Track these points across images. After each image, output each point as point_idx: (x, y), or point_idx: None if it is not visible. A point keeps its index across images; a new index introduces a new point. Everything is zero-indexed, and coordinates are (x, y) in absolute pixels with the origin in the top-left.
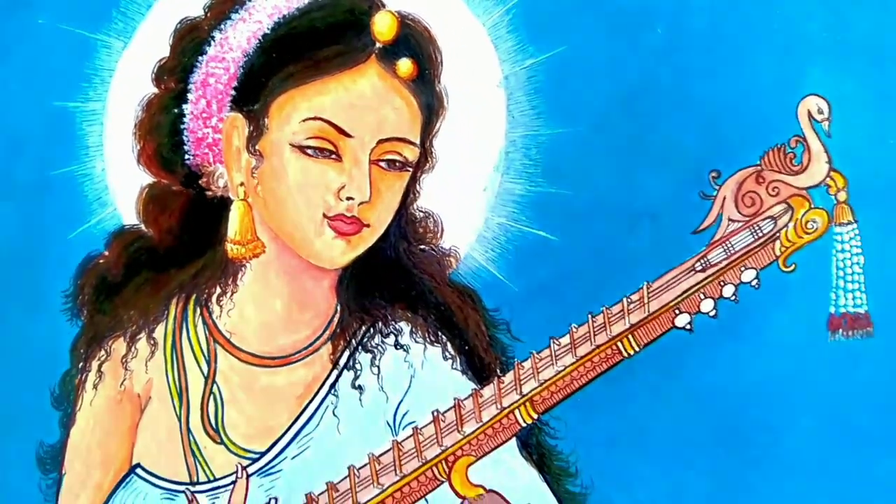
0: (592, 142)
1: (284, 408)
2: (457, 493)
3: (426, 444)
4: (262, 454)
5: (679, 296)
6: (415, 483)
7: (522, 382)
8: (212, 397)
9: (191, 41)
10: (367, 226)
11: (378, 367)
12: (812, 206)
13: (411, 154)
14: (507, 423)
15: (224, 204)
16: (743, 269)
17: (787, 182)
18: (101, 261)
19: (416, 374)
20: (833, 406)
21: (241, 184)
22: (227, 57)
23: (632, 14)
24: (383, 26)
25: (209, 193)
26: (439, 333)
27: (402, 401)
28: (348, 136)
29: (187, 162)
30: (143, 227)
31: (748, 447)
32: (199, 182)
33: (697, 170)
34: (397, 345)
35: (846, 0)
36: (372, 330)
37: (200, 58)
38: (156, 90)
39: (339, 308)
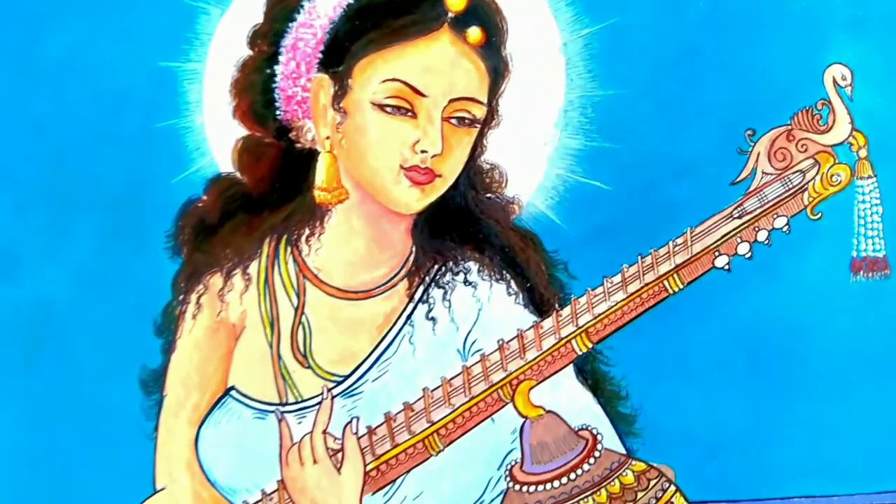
0: (641, 102)
1: (366, 336)
2: (520, 413)
3: (492, 369)
4: (346, 377)
5: (719, 239)
6: (482, 404)
7: (578, 315)
8: (300, 326)
9: (282, 9)
10: (439, 176)
11: (449, 301)
12: (836, 161)
13: (479, 112)
14: (564, 352)
15: (312, 155)
16: (775, 216)
17: (814, 140)
18: (199, 204)
19: (483, 308)
20: (854, 338)
21: (327, 137)
22: (315, 24)
23: None
24: None
25: (298, 146)
26: (504, 272)
27: (470, 331)
28: (423, 95)
29: (278, 117)
30: (238, 174)
31: (779, 374)
32: (289, 135)
33: (735, 128)
34: (466, 282)
35: None
36: (444, 268)
37: (291, 24)
38: (250, 53)
39: (414, 249)
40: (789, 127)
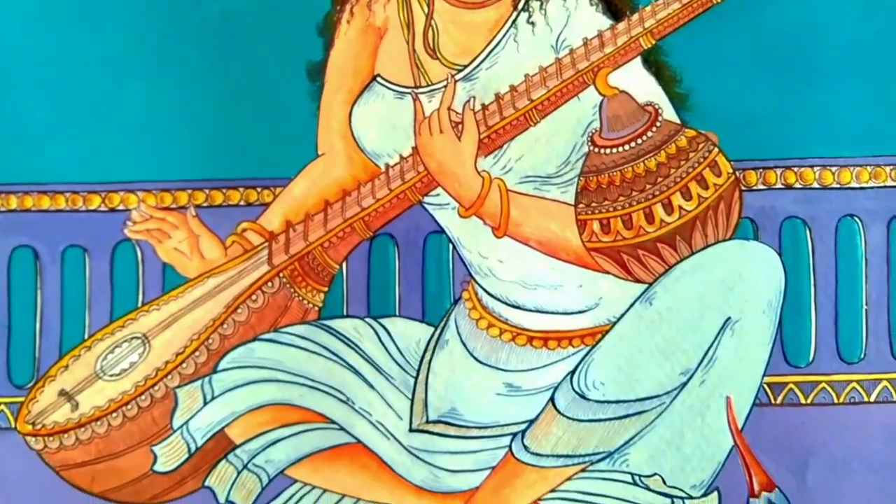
0: None
1: (480, 36)
2: (599, 92)
3: (578, 59)
4: (465, 66)
5: None
6: (570, 86)
7: (645, 20)
8: (430, 28)
9: None
10: None
11: (545, 10)
12: None
13: None
14: (634, 47)
15: None
16: None
17: None
18: None
19: (571, 15)
20: (857, 38)
21: None
22: None
23: None
24: None
25: None
26: None
27: (561, 32)
28: None
29: None
30: None
31: (799, 64)
32: None
33: None
34: None
35: None
36: None
37: None
38: None
39: None
40: None
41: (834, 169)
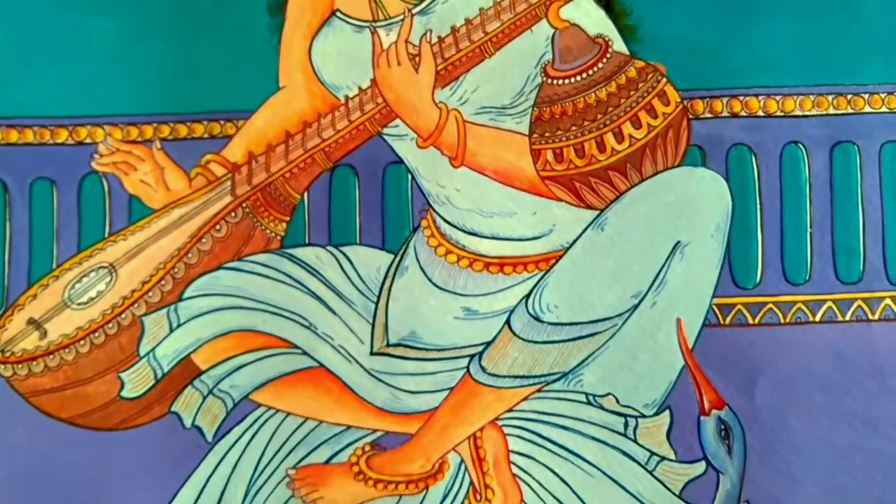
0: None
1: None
2: (551, 25)
3: None
4: (422, 0)
5: None
6: (523, 19)
7: None
8: None
9: None
10: None
11: None
12: None
13: None
14: None
15: None
16: None
17: None
18: None
19: None
20: None
21: None
22: None
23: None
24: None
25: None
26: None
27: None
28: None
29: None
30: None
31: (749, 2)
32: None
33: None
34: None
35: None
36: None
37: None
38: None
39: None
40: None
41: (778, 98)
